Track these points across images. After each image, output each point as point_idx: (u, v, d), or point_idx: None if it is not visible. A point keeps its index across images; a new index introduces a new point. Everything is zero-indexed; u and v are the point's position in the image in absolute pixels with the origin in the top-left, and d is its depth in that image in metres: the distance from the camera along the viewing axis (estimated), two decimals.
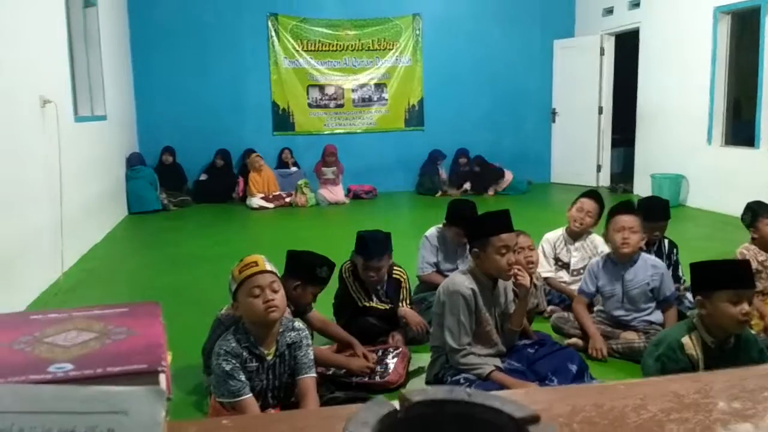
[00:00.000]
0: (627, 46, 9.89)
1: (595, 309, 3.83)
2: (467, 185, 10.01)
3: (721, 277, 2.58)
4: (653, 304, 3.68)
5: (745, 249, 4.05)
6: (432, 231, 4.41)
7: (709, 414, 0.94)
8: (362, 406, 0.65)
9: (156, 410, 0.63)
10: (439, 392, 0.68)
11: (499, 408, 0.64)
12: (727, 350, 2.58)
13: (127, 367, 0.66)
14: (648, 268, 3.65)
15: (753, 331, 3.61)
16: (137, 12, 9.54)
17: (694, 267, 2.70)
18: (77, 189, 6.04)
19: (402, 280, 3.81)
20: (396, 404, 0.66)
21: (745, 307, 2.51)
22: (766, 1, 7.14)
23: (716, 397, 0.99)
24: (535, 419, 0.62)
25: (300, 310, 3.24)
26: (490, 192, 9.89)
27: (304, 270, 3.18)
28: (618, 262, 3.70)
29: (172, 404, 2.26)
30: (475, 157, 10.22)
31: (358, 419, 0.61)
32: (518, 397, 1.06)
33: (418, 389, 0.69)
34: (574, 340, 3.69)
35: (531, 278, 3.32)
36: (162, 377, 0.67)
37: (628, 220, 3.62)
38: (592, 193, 4.47)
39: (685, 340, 2.62)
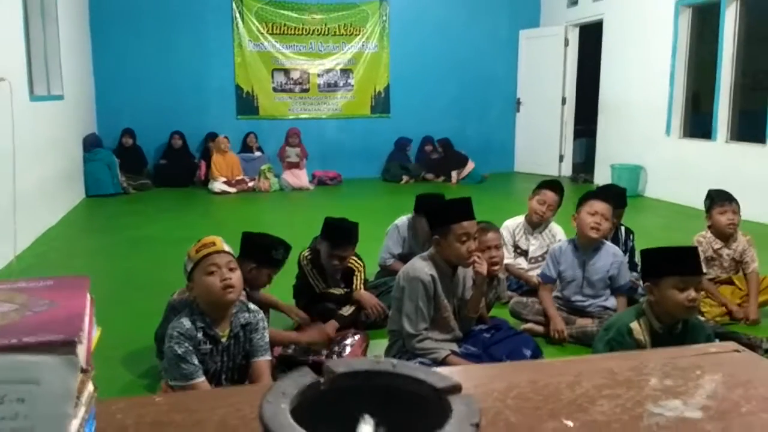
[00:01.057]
0: (591, 37, 9.99)
1: (553, 294, 3.88)
2: (429, 175, 10.05)
3: (669, 263, 2.63)
4: (609, 291, 3.76)
5: (702, 237, 4.13)
6: (403, 220, 4.40)
7: (640, 390, 0.96)
8: (284, 376, 0.64)
9: (69, 380, 0.62)
10: (364, 363, 0.67)
11: (422, 379, 0.64)
12: (675, 335, 2.63)
13: (43, 338, 0.64)
14: (609, 256, 3.73)
15: (704, 318, 3.72)
16: None
17: (644, 254, 2.75)
18: (32, 170, 5.88)
19: (355, 268, 3.83)
20: (320, 376, 0.65)
21: (692, 293, 2.55)
22: None
23: (649, 375, 1.01)
24: (456, 389, 0.62)
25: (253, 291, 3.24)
26: (454, 179, 9.93)
27: (259, 252, 3.17)
28: (581, 248, 3.76)
29: (124, 386, 2.22)
30: (441, 140, 10.26)
31: (277, 389, 0.60)
32: (456, 374, 1.06)
33: (344, 359, 0.69)
34: (530, 324, 3.75)
35: (496, 273, 3.37)
36: (80, 348, 0.65)
37: (603, 207, 3.69)
38: (554, 184, 4.49)
39: (634, 325, 2.67)
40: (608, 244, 3.82)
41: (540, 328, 3.72)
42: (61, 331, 0.65)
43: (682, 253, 2.65)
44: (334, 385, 0.64)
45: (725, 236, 4.05)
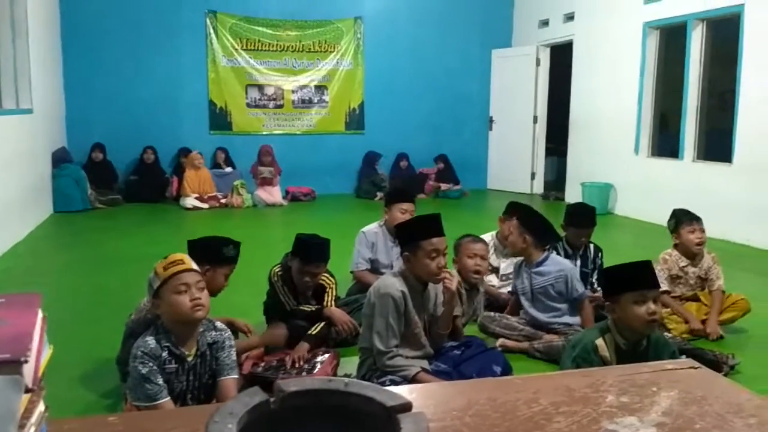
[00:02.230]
0: (562, 57, 10.16)
1: (521, 312, 3.92)
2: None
3: (625, 279, 2.67)
4: (563, 306, 3.80)
5: (668, 255, 4.18)
6: (370, 227, 4.43)
7: (597, 407, 0.97)
8: (234, 396, 0.64)
9: (12, 400, 0.61)
10: (315, 382, 0.67)
11: (372, 397, 0.64)
12: (640, 352, 2.66)
13: None
14: (553, 270, 3.80)
15: (670, 334, 3.77)
16: (69, 1, 9.22)
17: (602, 274, 2.80)
18: None
19: (327, 285, 3.80)
20: (271, 395, 0.65)
21: (651, 306, 2.59)
22: (691, 18, 7.46)
23: (606, 392, 1.02)
24: (406, 407, 0.62)
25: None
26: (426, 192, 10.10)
27: (210, 253, 3.10)
28: (526, 261, 3.87)
29: (88, 405, 2.18)
30: (440, 155, 10.54)
31: (225, 409, 0.60)
32: (418, 392, 1.06)
33: (295, 379, 0.68)
34: (502, 340, 3.77)
35: (475, 281, 3.50)
36: (26, 368, 0.64)
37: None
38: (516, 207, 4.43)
39: (599, 342, 2.70)
40: (554, 258, 3.89)
41: (512, 344, 3.74)
42: (7, 350, 0.64)
43: (638, 267, 2.69)
44: (284, 404, 0.64)
45: (692, 255, 4.10)
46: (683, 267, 4.13)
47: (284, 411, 0.63)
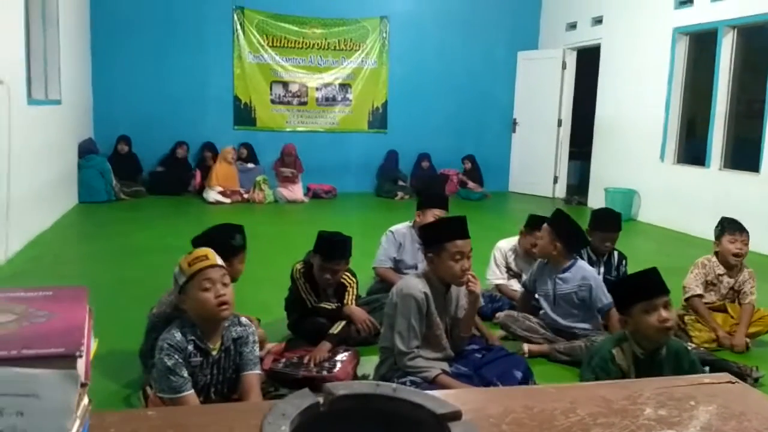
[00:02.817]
0: (588, 61, 10.08)
1: (540, 313, 3.90)
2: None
3: (633, 290, 2.65)
4: (582, 313, 3.77)
5: (707, 260, 4.14)
6: (399, 227, 4.44)
7: (635, 420, 0.96)
8: (284, 397, 0.64)
9: (68, 394, 0.61)
10: (364, 386, 0.67)
11: (421, 404, 0.64)
12: (657, 361, 2.63)
13: (43, 351, 0.64)
14: (578, 279, 3.76)
15: (693, 344, 3.73)
16: None
17: (610, 289, 2.78)
18: (26, 174, 5.86)
19: (348, 284, 3.81)
20: (320, 397, 0.65)
21: (662, 314, 2.56)
22: (722, 24, 7.36)
23: (644, 404, 1.01)
24: (456, 416, 0.62)
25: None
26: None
27: (220, 247, 3.09)
28: (551, 264, 3.84)
29: (109, 395, 2.20)
30: (468, 155, 10.53)
31: (277, 411, 0.60)
32: (452, 398, 1.06)
33: (344, 382, 0.68)
34: (527, 347, 3.74)
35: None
36: (80, 362, 0.65)
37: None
38: (541, 220, 4.37)
39: (616, 351, 2.68)
40: (581, 265, 3.84)
41: (537, 348, 3.72)
42: (61, 344, 0.65)
43: (643, 277, 2.67)
44: (333, 407, 0.64)
45: (730, 265, 4.05)
46: (719, 275, 4.08)
47: (333, 413, 0.64)
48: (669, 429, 0.94)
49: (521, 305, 4.02)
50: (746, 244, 4.03)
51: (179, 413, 1.04)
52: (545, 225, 3.88)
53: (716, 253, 4.11)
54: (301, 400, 0.62)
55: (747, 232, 4.05)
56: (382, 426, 0.64)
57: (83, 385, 0.67)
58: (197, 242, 3.09)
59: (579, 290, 3.74)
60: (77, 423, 0.73)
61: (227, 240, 3.15)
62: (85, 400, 0.79)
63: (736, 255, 3.99)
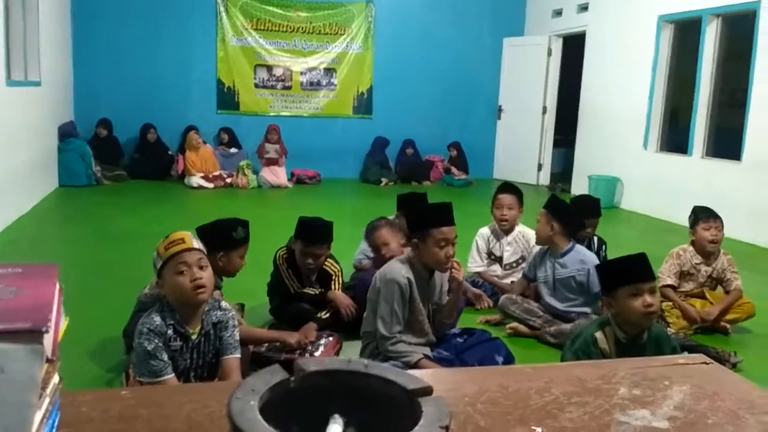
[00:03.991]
0: (574, 48, 10.09)
1: (540, 301, 3.93)
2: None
3: (620, 273, 2.67)
4: (582, 298, 3.80)
5: (682, 250, 4.16)
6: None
7: (609, 399, 0.97)
8: (254, 373, 0.63)
9: (33, 369, 0.60)
10: (335, 363, 0.67)
11: (393, 380, 0.64)
12: (639, 345, 2.66)
13: (9, 326, 0.63)
14: (577, 262, 3.80)
15: (672, 330, 3.77)
16: None
17: (597, 270, 2.80)
18: (4, 156, 5.78)
19: (333, 273, 3.80)
20: (290, 373, 0.65)
21: (647, 299, 2.58)
22: (706, 13, 7.39)
23: (618, 384, 1.02)
24: (427, 391, 0.62)
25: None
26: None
27: (220, 239, 3.10)
28: (550, 251, 3.87)
29: (92, 379, 2.18)
30: (453, 143, 10.50)
31: (246, 386, 0.59)
32: (429, 378, 1.06)
33: (316, 358, 0.68)
34: (515, 324, 3.80)
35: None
36: (46, 337, 0.64)
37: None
38: (507, 187, 4.57)
39: (598, 335, 2.70)
40: (579, 249, 3.89)
41: (524, 329, 3.77)
42: (27, 320, 0.64)
43: (631, 261, 2.68)
44: (304, 383, 0.64)
45: (706, 253, 4.07)
46: (696, 264, 4.10)
47: (303, 390, 0.63)
48: (642, 408, 0.95)
49: (517, 292, 4.04)
50: (720, 230, 4.06)
51: (154, 392, 1.03)
52: (542, 210, 3.90)
53: (692, 243, 4.14)
54: (271, 375, 0.61)
55: (720, 219, 4.08)
56: (353, 402, 0.63)
57: (50, 361, 0.66)
58: (200, 231, 3.08)
59: (578, 274, 3.78)
60: (47, 400, 0.72)
61: (229, 232, 3.13)
62: (56, 378, 0.78)
63: (712, 242, 4.03)
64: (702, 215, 4.10)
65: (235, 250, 3.15)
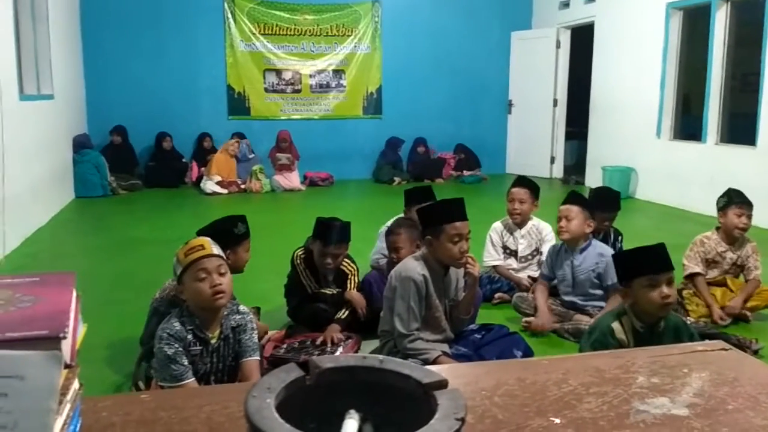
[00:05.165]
0: (582, 39, 10.03)
1: (559, 297, 3.93)
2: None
3: (637, 264, 2.64)
4: (600, 292, 3.78)
5: (706, 237, 4.09)
6: (391, 221, 4.40)
7: (627, 388, 0.96)
8: (269, 372, 0.64)
9: (52, 375, 0.61)
10: (350, 359, 0.67)
11: (408, 374, 0.64)
12: (657, 334, 2.64)
13: (27, 333, 0.64)
14: (595, 256, 3.78)
15: (691, 318, 3.74)
16: None
17: (614, 259, 2.78)
18: (21, 170, 5.84)
19: (349, 272, 3.81)
20: (306, 371, 0.65)
21: (664, 290, 2.55)
22: None
23: (636, 372, 1.02)
24: (443, 384, 0.62)
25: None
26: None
27: (224, 237, 3.09)
28: (568, 248, 3.84)
29: (110, 386, 2.20)
30: (459, 145, 10.54)
31: (262, 385, 0.60)
32: (446, 372, 1.06)
33: (331, 356, 0.68)
34: (531, 318, 3.79)
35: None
36: (64, 344, 0.65)
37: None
38: (520, 180, 4.54)
39: (615, 325, 2.68)
40: (596, 243, 3.87)
41: (538, 323, 3.77)
42: (45, 327, 0.65)
43: (650, 251, 2.66)
44: (320, 380, 0.64)
45: (732, 239, 4.01)
46: (722, 252, 4.05)
47: (319, 387, 0.64)
48: (662, 396, 0.94)
49: (543, 299, 3.94)
50: (750, 218, 4.00)
51: (174, 395, 1.04)
52: (573, 207, 3.80)
53: (717, 228, 4.08)
54: (287, 374, 0.62)
55: (752, 205, 4.01)
56: (369, 397, 0.64)
57: (69, 367, 0.67)
58: (201, 233, 3.08)
59: (596, 267, 3.76)
60: (68, 407, 0.74)
61: (230, 229, 3.16)
62: (76, 384, 0.79)
63: (740, 228, 3.96)
64: (736, 199, 4.00)
65: (240, 244, 3.19)
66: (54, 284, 0.80)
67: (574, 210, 3.78)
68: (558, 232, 3.89)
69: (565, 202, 3.88)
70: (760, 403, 0.94)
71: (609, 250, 3.86)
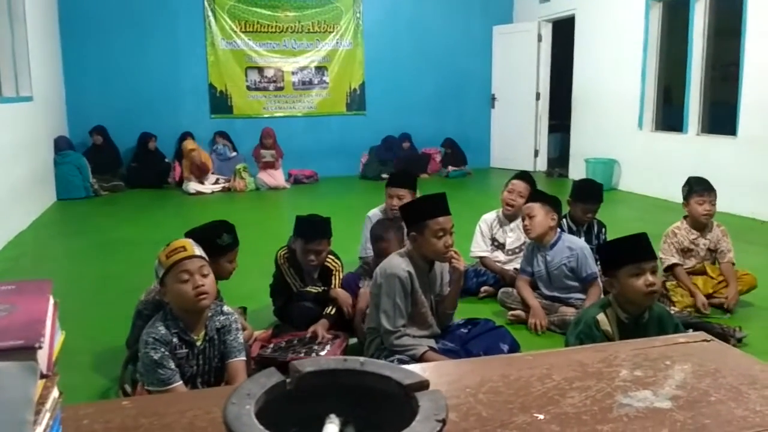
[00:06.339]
0: (563, 32, 10.07)
1: (538, 291, 3.95)
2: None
3: (621, 253, 2.67)
4: (577, 284, 3.81)
5: (676, 228, 4.15)
6: (375, 211, 4.42)
7: (611, 382, 0.97)
8: (249, 378, 0.63)
9: (28, 386, 0.60)
10: (331, 362, 0.67)
11: (388, 376, 0.63)
12: (642, 325, 2.66)
13: (2, 344, 0.63)
14: (565, 250, 3.82)
15: (676, 308, 3.77)
16: None
17: (598, 250, 2.80)
18: (1, 173, 5.78)
19: (333, 268, 3.80)
20: (285, 376, 0.65)
21: (649, 278, 2.58)
22: None
23: (619, 366, 1.02)
24: (424, 386, 0.62)
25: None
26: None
27: (206, 246, 3.01)
28: (538, 244, 3.89)
29: (95, 391, 2.18)
30: (447, 139, 10.52)
31: (242, 391, 0.59)
32: (431, 370, 1.06)
33: (311, 359, 0.68)
34: (517, 312, 3.79)
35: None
36: (40, 353, 0.64)
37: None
38: (523, 175, 4.60)
39: (600, 316, 2.70)
40: (565, 237, 3.91)
41: (524, 315, 3.79)
42: (20, 337, 0.64)
43: (633, 240, 2.68)
44: (301, 384, 0.64)
45: (700, 226, 4.08)
46: (694, 239, 4.11)
47: (301, 391, 0.63)
48: (644, 389, 0.95)
49: (528, 294, 3.98)
50: (714, 204, 4.06)
51: (155, 401, 1.03)
52: (536, 205, 3.88)
53: (685, 217, 4.15)
54: (267, 378, 0.61)
55: (714, 191, 4.08)
56: (350, 400, 0.63)
57: (46, 377, 0.66)
58: (188, 237, 3.02)
59: (568, 261, 3.80)
60: (47, 416, 0.72)
61: (214, 239, 3.04)
62: (55, 393, 0.78)
63: (705, 215, 4.04)
64: (696, 188, 4.08)
65: (223, 256, 3.07)
66: (30, 292, 0.79)
67: (536, 207, 3.85)
68: (525, 232, 3.97)
69: (527, 201, 3.99)
70: (741, 394, 0.95)
71: (579, 243, 3.90)
